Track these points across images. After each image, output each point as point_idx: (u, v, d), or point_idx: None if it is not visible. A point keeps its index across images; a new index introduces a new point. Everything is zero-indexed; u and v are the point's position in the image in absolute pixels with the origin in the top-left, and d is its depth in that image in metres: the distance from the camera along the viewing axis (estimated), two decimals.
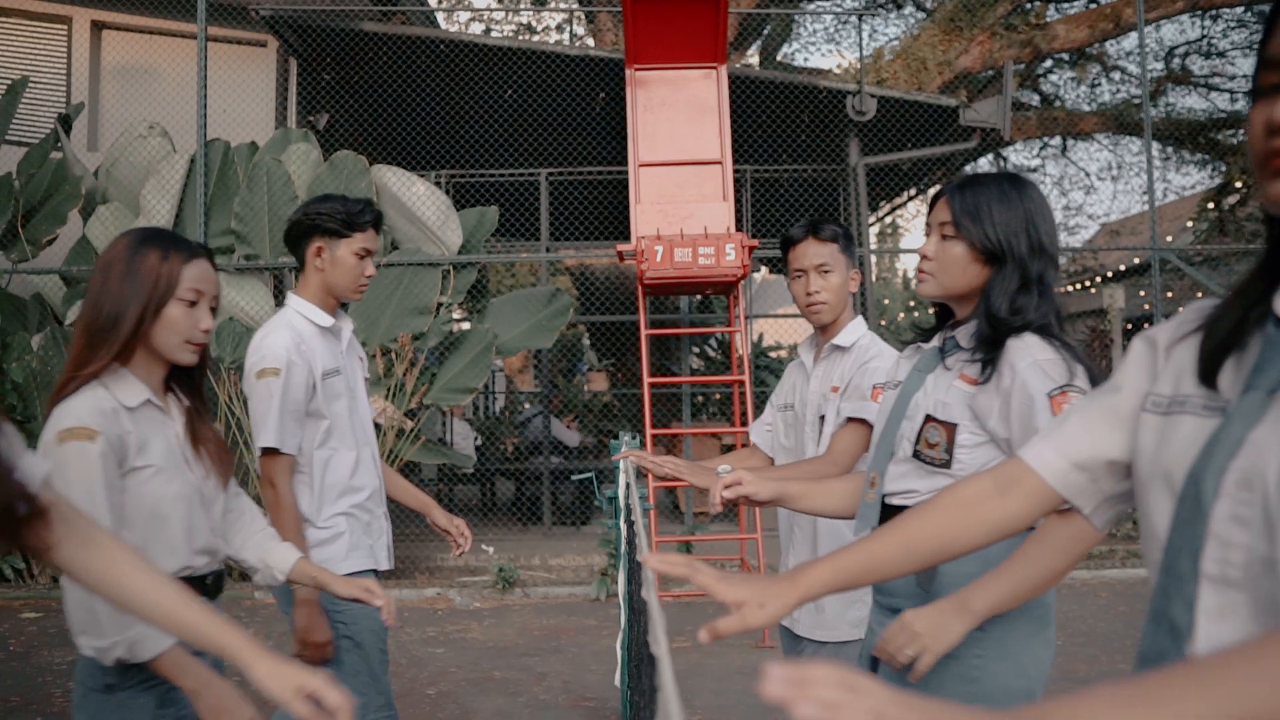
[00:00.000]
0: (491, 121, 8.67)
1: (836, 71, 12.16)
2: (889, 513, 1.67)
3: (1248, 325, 0.86)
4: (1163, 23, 11.27)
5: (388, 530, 2.40)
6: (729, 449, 8.85)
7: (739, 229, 7.00)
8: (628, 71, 6.50)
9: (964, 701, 1.45)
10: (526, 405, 12.82)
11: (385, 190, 6.79)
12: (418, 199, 6.79)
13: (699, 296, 9.57)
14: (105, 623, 1.48)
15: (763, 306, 16.97)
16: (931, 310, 1.78)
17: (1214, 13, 11.89)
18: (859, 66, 8.16)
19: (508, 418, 12.04)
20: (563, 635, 5.39)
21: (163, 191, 6.79)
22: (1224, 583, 0.80)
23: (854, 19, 12.74)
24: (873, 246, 8.95)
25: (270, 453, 2.16)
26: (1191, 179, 31.76)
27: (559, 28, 14.44)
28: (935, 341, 1.68)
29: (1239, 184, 12.02)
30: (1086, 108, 13.44)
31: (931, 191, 7.14)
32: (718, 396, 10.74)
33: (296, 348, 2.20)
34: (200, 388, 1.72)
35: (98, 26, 8.54)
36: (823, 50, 34.26)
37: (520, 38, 13.70)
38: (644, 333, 6.20)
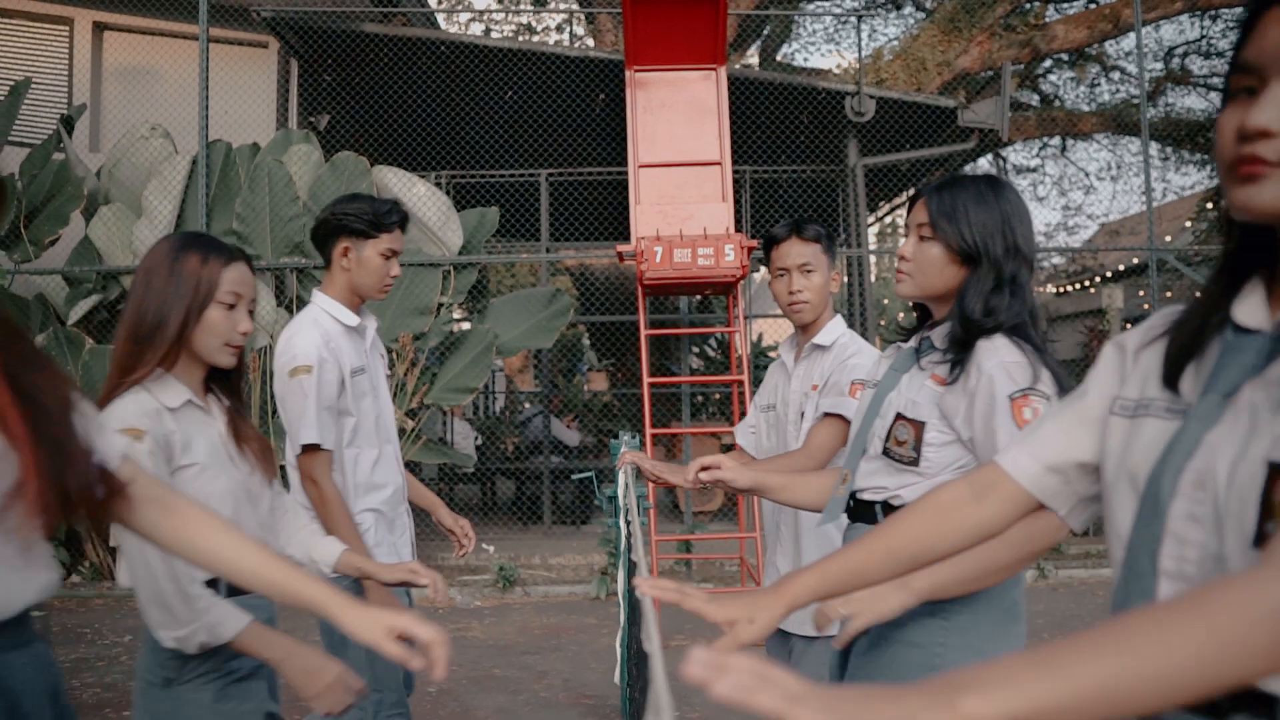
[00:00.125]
0: (492, 122, 8.69)
1: (836, 72, 12.18)
2: (861, 507, 1.70)
3: (1208, 331, 0.89)
4: (1162, 23, 11.29)
5: (410, 527, 2.43)
6: (728, 449, 8.87)
7: (738, 230, 7.03)
8: (627, 73, 6.53)
9: None
10: (527, 405, 12.85)
11: (386, 191, 6.81)
12: (418, 200, 6.82)
13: (698, 297, 9.59)
14: (180, 612, 1.51)
15: (762, 307, 16.99)
16: (905, 313, 1.81)
17: (1213, 13, 11.90)
18: (858, 67, 8.18)
19: (508, 417, 12.07)
20: (563, 634, 5.42)
21: (165, 192, 6.82)
22: (1180, 578, 0.83)
23: (853, 19, 12.76)
24: (872, 247, 8.97)
25: (310, 450, 2.16)
26: (1191, 179, 31.75)
27: (559, 28, 14.47)
28: (912, 342, 1.70)
29: None
30: (1086, 108, 13.46)
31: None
32: (717, 396, 10.77)
33: (326, 344, 2.22)
34: (239, 389, 1.76)
35: (99, 28, 8.56)
36: (822, 50, 34.28)
37: (520, 38, 13.72)
38: (644, 333, 6.23)
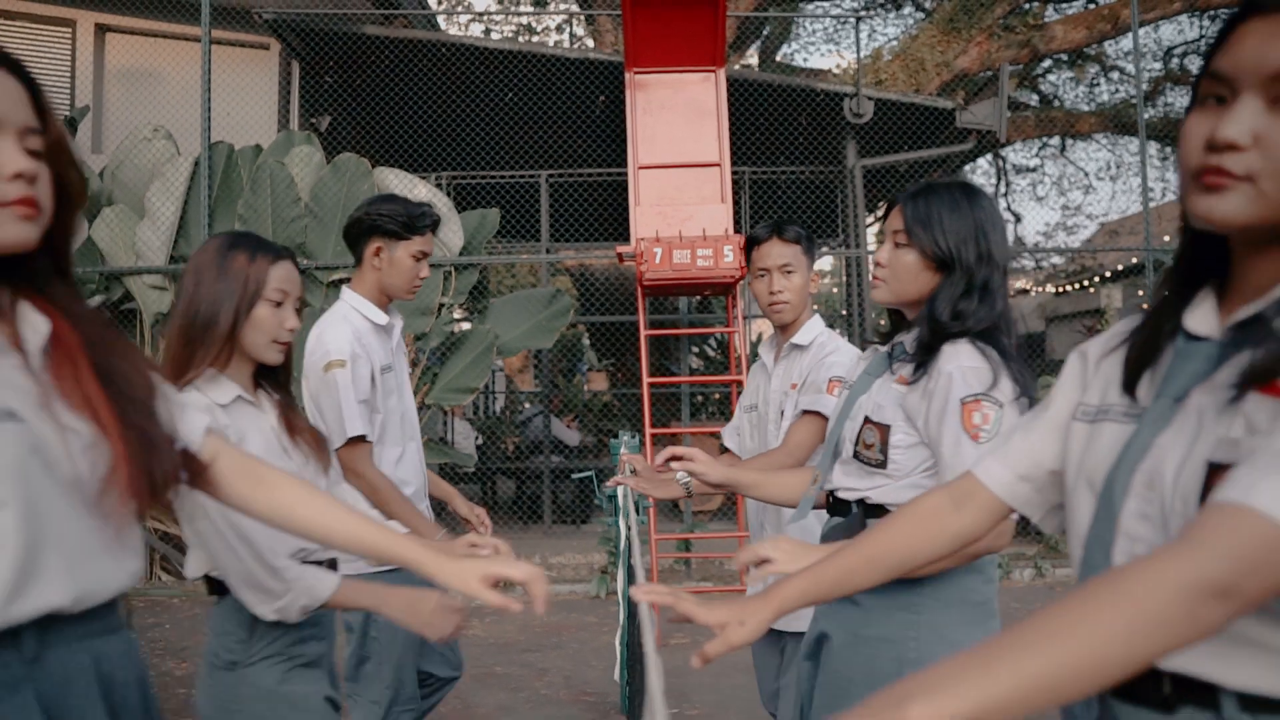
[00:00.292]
0: (492, 124, 8.72)
1: (835, 72, 12.20)
2: (837, 506, 1.74)
3: (1161, 338, 0.92)
4: (1161, 23, 11.31)
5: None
6: (727, 449, 8.89)
7: (737, 231, 7.06)
8: (627, 74, 6.56)
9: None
10: (527, 405, 12.88)
11: (387, 192, 6.84)
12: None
13: (698, 297, 9.63)
14: (273, 585, 1.55)
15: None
16: (882, 319, 1.84)
17: (1212, 13, 11.92)
18: (856, 68, 8.21)
19: (508, 417, 12.10)
20: (563, 632, 5.46)
21: (167, 194, 6.85)
22: None
23: (852, 20, 12.78)
24: (870, 247, 8.98)
25: (352, 442, 2.17)
26: None
27: (559, 28, 14.49)
28: (885, 346, 1.73)
29: None
30: (1085, 108, 13.48)
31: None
32: (717, 396, 10.80)
33: (357, 340, 2.25)
34: (287, 384, 1.78)
35: (101, 29, 8.59)
36: (822, 50, 34.27)
37: (520, 39, 13.75)
38: (643, 333, 6.26)
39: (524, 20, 14.34)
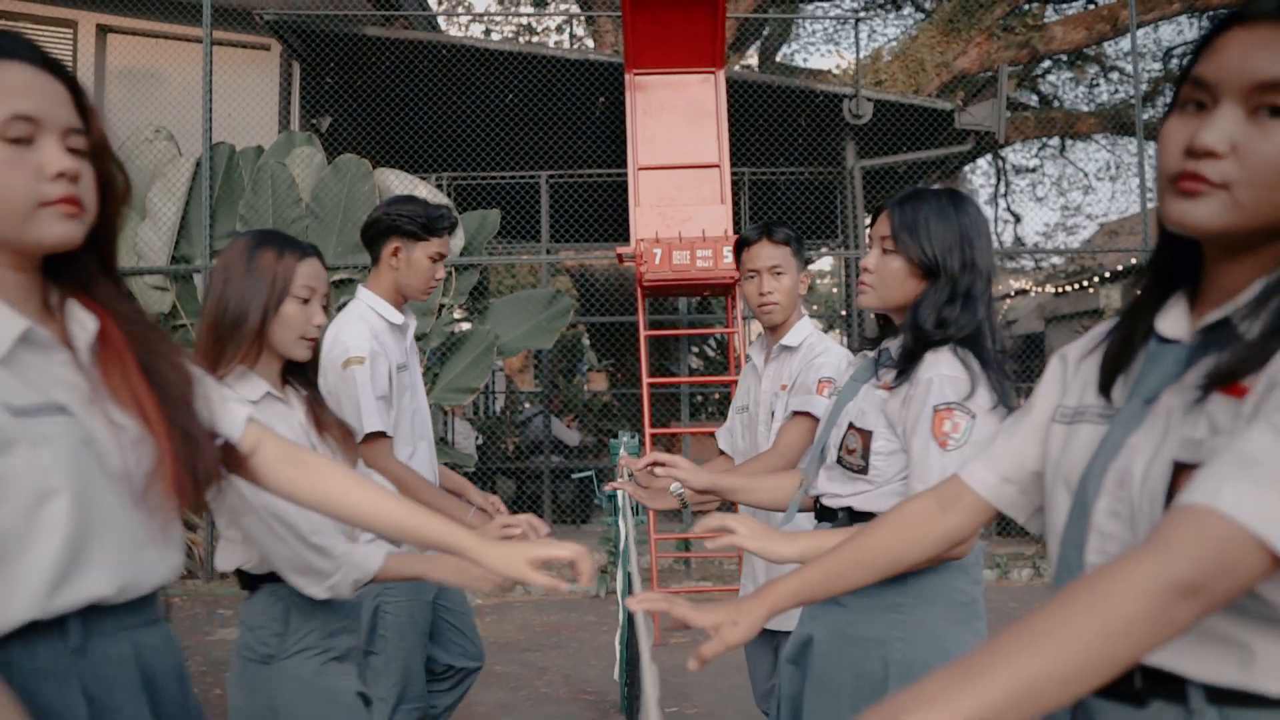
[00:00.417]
0: (493, 124, 8.74)
1: (835, 72, 12.22)
2: (824, 513, 1.75)
3: (1135, 341, 0.95)
4: (1160, 24, 11.33)
5: None
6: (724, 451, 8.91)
7: (737, 231, 7.07)
8: (627, 76, 6.58)
9: (894, 681, 1.55)
10: (527, 405, 12.90)
11: (388, 193, 6.86)
12: None
13: (697, 298, 9.65)
14: (322, 565, 1.57)
15: None
16: (869, 323, 1.85)
17: (1211, 14, 11.93)
18: (856, 69, 8.23)
19: (508, 417, 12.12)
20: (563, 631, 5.48)
21: (169, 194, 6.87)
22: None
23: (852, 21, 12.80)
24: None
25: (372, 438, 2.19)
26: None
27: (559, 29, 14.51)
28: (873, 352, 1.74)
29: None
30: (1084, 108, 13.49)
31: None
32: (716, 396, 10.82)
33: (374, 338, 2.28)
34: (314, 381, 1.80)
35: (103, 30, 8.61)
36: (822, 51, 34.32)
37: (520, 39, 13.76)
38: (643, 333, 6.28)
39: (524, 21, 14.36)
